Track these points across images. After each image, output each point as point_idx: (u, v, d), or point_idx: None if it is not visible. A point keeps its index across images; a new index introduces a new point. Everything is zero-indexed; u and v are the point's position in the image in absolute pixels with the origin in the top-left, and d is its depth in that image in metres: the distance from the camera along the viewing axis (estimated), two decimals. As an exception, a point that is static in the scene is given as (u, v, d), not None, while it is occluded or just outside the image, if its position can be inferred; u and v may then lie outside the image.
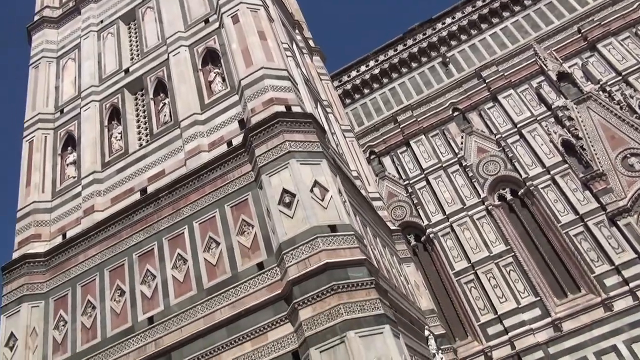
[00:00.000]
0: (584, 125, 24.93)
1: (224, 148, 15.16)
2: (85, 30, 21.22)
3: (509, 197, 25.89)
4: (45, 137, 18.98)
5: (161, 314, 13.21)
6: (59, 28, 22.70)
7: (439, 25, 32.23)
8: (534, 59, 28.17)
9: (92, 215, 16.05)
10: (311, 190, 12.86)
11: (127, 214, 15.29)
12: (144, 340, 13.03)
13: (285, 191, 12.90)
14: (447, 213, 26.22)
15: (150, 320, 13.27)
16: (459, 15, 31.91)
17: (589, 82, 26.38)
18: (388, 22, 78.84)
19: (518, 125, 26.74)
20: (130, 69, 19.21)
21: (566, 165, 24.56)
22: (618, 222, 22.26)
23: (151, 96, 18.02)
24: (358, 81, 32.84)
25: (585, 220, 22.97)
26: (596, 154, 24.06)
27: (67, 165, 18.24)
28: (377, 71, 32.55)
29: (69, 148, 18.76)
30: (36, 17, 23.17)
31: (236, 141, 14.98)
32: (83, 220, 16.18)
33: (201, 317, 12.62)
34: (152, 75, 18.40)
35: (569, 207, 23.66)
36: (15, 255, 16.23)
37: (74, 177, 17.71)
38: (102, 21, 21.44)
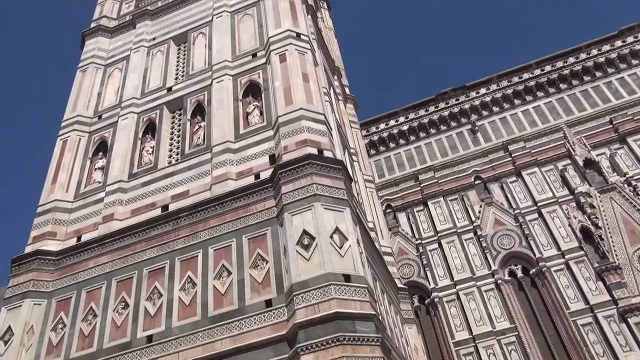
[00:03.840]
0: (604, 215, 24.81)
1: (251, 179, 15.39)
2: (137, 44, 22.06)
3: (519, 274, 25.54)
4: (80, 138, 19.47)
5: (161, 334, 13.10)
6: (112, 38, 23.63)
7: (473, 94, 32.80)
8: (562, 142, 28.39)
9: (110, 222, 16.21)
10: (331, 236, 12.91)
11: (145, 227, 15.42)
12: (140, 358, 12.88)
13: (305, 232, 12.97)
14: (454, 279, 25.88)
15: (149, 338, 13.15)
16: (493, 87, 32.50)
17: (615, 173, 26.41)
18: (422, 81, 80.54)
19: (538, 204, 26.67)
20: (173, 88, 19.81)
21: (582, 252, 24.28)
22: (629, 319, 21.74)
23: (188, 117, 18.49)
24: (385, 134, 33.28)
25: (595, 311, 22.49)
26: (614, 246, 23.81)
27: (95, 170, 18.59)
28: (405, 127, 33.00)
29: (100, 153, 19.16)
30: (92, 25, 24.17)
31: (264, 175, 15.21)
32: (101, 226, 16.33)
33: (201, 345, 12.48)
34: (193, 98, 18.93)
35: (580, 295, 23.24)
36: (27, 249, 16.35)
37: (100, 183, 18.01)
38: (154, 38, 22.30)
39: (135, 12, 24.04)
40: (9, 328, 14.48)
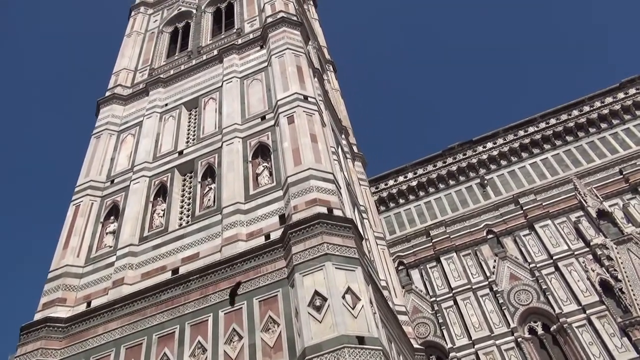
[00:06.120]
0: (623, 267, 24.21)
1: (261, 240, 15.31)
2: (150, 111, 22.79)
3: (540, 331, 24.66)
4: (92, 203, 19.68)
5: (170, 405, 12.62)
6: (125, 105, 24.47)
7: (480, 148, 33.09)
8: (573, 194, 28.24)
9: (120, 287, 16.05)
10: (343, 297, 12.63)
11: (155, 292, 15.21)
12: None
13: (317, 293, 12.71)
14: (473, 338, 25.01)
15: (158, 409, 12.67)
16: (500, 141, 32.82)
17: (630, 224, 26.00)
18: (428, 137, 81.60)
19: (554, 257, 26.17)
20: (184, 152, 20.21)
21: (603, 307, 23.51)
22: (659, 378, 20.71)
23: (199, 179, 18.73)
24: (394, 190, 33.35)
25: (623, 370, 21.48)
26: (636, 299, 23.05)
27: (106, 234, 18.64)
28: (414, 183, 33.10)
29: (112, 217, 19.29)
30: (107, 93, 25.15)
31: (274, 235, 15.15)
32: (111, 291, 16.16)
33: (211, 415, 11.98)
34: (204, 160, 19.26)
35: (605, 353, 22.26)
36: (37, 316, 16.10)
37: (110, 247, 18.01)
38: (166, 104, 23.04)
39: (149, 80, 25.03)
40: (15, 400, 14.08)
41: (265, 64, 21.94)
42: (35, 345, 15.08)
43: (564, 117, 31.94)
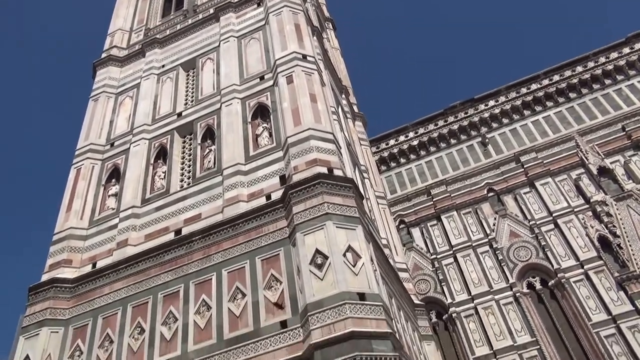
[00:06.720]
0: (622, 224, 24.40)
1: (262, 201, 15.45)
2: (147, 72, 22.50)
3: (538, 286, 25.10)
4: (93, 166, 19.76)
5: (177, 359, 13.05)
6: (122, 67, 24.14)
7: (481, 106, 32.74)
8: (574, 151, 28.14)
9: (124, 248, 16.33)
10: (344, 255, 12.85)
11: (159, 252, 15.50)
12: (156, 383, 12.82)
13: (318, 252, 12.93)
14: (472, 294, 25.49)
15: (166, 364, 13.10)
16: (502, 99, 32.43)
17: (631, 181, 26.03)
18: (429, 96, 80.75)
19: (553, 214, 26.34)
20: (183, 113, 20.09)
21: (601, 262, 23.83)
22: (653, 330, 21.23)
23: (199, 141, 18.71)
24: (395, 150, 33.27)
25: (618, 322, 21.96)
26: (634, 255, 23.34)
27: (109, 196, 18.81)
28: (415, 142, 32.99)
29: (113, 180, 19.42)
30: (103, 55, 24.76)
31: (275, 196, 15.27)
32: (115, 252, 16.46)
33: (217, 369, 12.40)
34: (203, 122, 19.18)
35: (601, 306, 22.73)
36: (44, 277, 16.49)
37: (113, 209, 18.21)
38: (163, 65, 22.73)
39: (145, 41, 24.59)
40: (27, 357, 14.54)
41: (263, 22, 21.50)
42: (43, 305, 15.49)
43: (567, 73, 31.44)
